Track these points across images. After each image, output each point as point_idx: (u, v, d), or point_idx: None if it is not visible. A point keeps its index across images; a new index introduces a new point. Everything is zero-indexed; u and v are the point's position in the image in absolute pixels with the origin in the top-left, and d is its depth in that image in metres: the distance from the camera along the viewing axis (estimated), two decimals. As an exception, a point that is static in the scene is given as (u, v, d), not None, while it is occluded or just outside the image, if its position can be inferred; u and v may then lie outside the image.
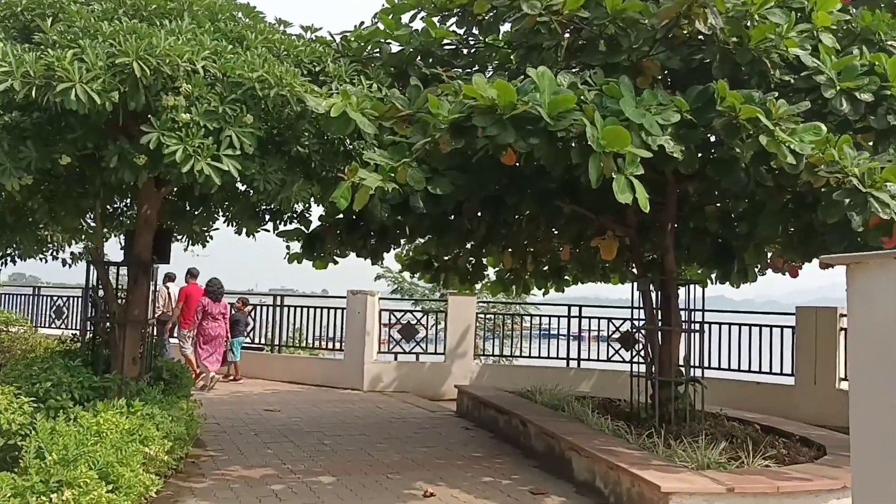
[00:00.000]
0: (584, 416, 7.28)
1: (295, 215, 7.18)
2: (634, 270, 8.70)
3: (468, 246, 9.33)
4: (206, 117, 4.71)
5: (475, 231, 8.29)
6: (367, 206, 5.55)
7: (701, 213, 7.76)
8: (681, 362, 7.42)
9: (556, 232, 9.31)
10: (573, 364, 12.11)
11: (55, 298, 15.29)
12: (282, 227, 7.56)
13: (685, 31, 5.73)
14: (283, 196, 5.25)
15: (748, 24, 5.68)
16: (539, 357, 12.21)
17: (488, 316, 12.87)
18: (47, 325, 14.70)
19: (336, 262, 8.77)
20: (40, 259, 8.49)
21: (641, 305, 7.47)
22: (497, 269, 10.31)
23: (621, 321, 11.89)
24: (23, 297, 15.88)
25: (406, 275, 21.57)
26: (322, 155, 5.48)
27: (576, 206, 7.52)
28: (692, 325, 7.25)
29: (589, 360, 12.07)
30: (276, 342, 12.99)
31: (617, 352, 11.86)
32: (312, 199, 5.99)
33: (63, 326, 14.26)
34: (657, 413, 6.89)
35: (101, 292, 6.83)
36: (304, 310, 12.94)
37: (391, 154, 4.64)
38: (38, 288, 16.50)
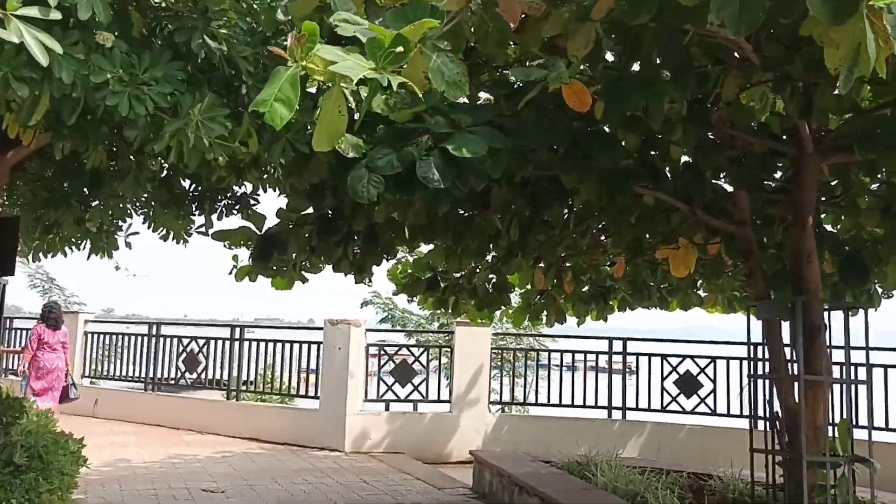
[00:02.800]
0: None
1: (235, 202, 4.88)
2: (732, 289, 6.42)
3: (489, 258, 7.03)
4: None
5: (503, 235, 5.97)
6: (342, 148, 3.39)
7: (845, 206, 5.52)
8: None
9: (603, 239, 7.08)
10: (617, 414, 9.75)
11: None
12: (218, 225, 5.26)
13: None
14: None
15: None
16: (572, 406, 9.83)
17: (504, 352, 10.52)
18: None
19: (305, 280, 6.45)
20: None
21: (764, 340, 5.16)
22: (524, 290, 8.01)
23: (679, 359, 9.57)
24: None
25: (399, 300, 19.24)
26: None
27: (661, 193, 5.27)
28: (848, 369, 4.95)
29: (637, 409, 9.70)
30: (234, 386, 10.54)
31: (674, 399, 9.51)
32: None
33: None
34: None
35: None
36: (271, 344, 10.54)
37: (393, 20, 2.33)
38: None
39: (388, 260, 6.47)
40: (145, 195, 5.09)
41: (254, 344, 10.69)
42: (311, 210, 5.82)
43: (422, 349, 10.18)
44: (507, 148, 3.96)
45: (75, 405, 11.72)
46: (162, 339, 11.39)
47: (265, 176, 4.51)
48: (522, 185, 5.37)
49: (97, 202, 5.01)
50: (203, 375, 10.90)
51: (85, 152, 3.55)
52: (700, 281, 7.30)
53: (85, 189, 4.76)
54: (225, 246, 5.84)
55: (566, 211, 6.24)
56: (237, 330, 10.72)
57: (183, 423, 10.62)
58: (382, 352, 9.84)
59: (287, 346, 10.41)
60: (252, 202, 5.10)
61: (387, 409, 9.69)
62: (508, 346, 11.46)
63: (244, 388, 10.62)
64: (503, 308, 7.93)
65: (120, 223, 5.86)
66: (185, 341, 11.18)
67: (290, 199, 5.35)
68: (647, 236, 6.47)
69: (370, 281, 6.63)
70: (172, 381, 11.42)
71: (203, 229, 6.36)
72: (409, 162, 3.74)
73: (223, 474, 7.48)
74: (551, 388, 10.01)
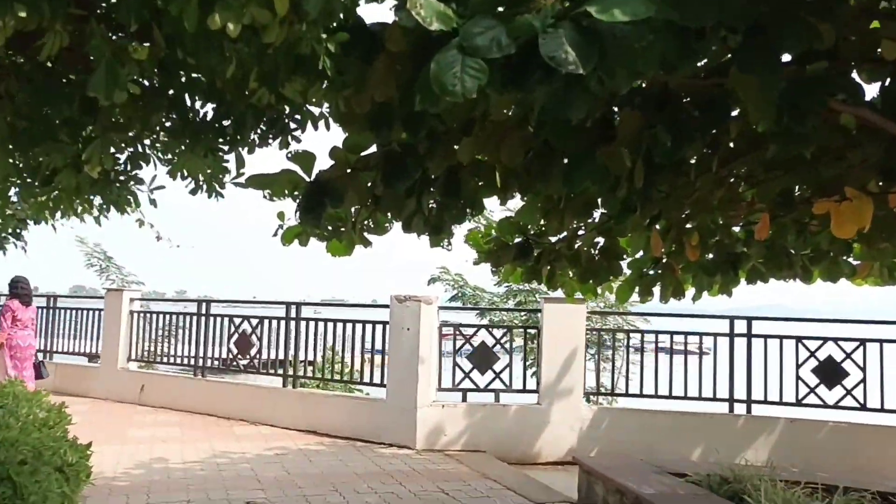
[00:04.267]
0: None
1: (271, 126, 3.66)
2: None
3: (596, 216, 5.66)
4: None
5: (622, 182, 4.58)
6: (421, 16, 2.21)
7: None
8: None
9: (742, 190, 5.62)
10: (740, 408, 8.26)
11: None
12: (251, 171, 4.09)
13: None
14: None
15: None
16: (685, 398, 8.38)
17: (602, 334, 9.12)
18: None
19: (367, 244, 5.23)
20: None
21: None
22: (632, 258, 6.62)
23: (819, 342, 8.01)
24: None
25: (470, 276, 17.97)
26: None
27: (866, 111, 3.81)
28: None
29: (766, 402, 8.19)
30: (290, 372, 9.47)
31: (813, 390, 7.97)
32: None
33: None
34: None
35: None
36: (331, 325, 9.42)
37: None
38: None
39: (472, 217, 5.15)
40: (157, 128, 3.94)
41: (312, 324, 9.59)
42: (374, 149, 4.57)
43: (504, 330, 8.86)
44: (671, 23, 2.61)
45: (121, 392, 10.95)
46: (212, 319, 10.43)
47: (312, 92, 3.26)
48: (658, 107, 3.99)
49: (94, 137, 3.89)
50: (257, 359, 9.89)
51: (41, 35, 2.40)
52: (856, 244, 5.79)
53: (74, 117, 3.62)
54: (265, 197, 4.63)
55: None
56: (293, 308, 9.63)
57: (234, 411, 9.66)
58: (458, 333, 8.57)
59: (349, 326, 9.27)
60: (294, 128, 3.85)
61: (464, 399, 8.46)
62: (606, 327, 10.04)
63: (301, 373, 9.56)
64: (612, 279, 6.55)
65: (136, 171, 4.76)
66: (237, 321, 10.19)
67: (346, 128, 4.09)
68: (801, 186, 5.04)
69: (450, 244, 5.37)
70: (223, 366, 10.48)
71: (240, 179, 5.21)
72: (524, 38, 2.43)
73: (274, 480, 6.39)
74: (658, 376, 8.55)
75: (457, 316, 11.73)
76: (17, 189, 4.98)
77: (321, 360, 9.56)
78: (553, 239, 6.09)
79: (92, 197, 5.20)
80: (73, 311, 12.26)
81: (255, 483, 6.20)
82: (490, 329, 9.07)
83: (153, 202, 5.56)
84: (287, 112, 3.75)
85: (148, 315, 11.29)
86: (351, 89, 3.56)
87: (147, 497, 5.65)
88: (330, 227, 5.05)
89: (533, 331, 8.93)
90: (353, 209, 4.82)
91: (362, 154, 4.67)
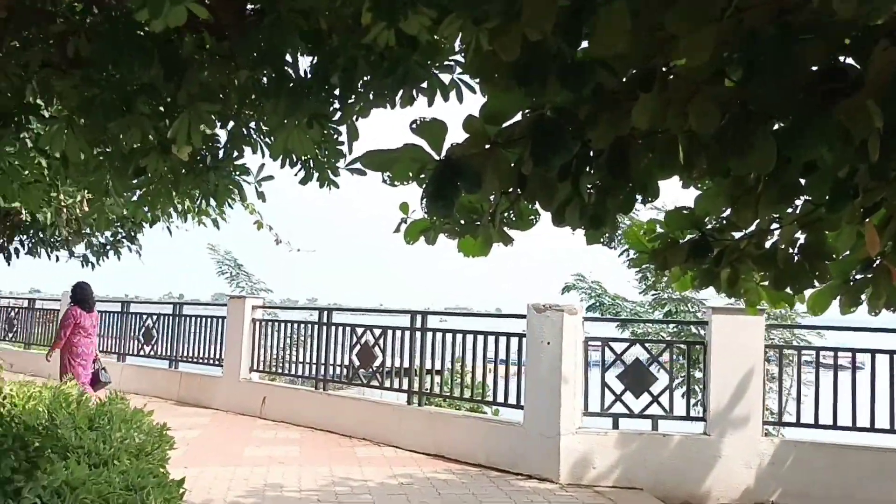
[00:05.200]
0: None
1: (389, 85, 2.81)
2: None
3: (798, 203, 4.45)
4: None
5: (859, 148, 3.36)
6: None
7: None
8: None
9: None
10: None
11: None
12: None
13: None
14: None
15: None
16: (892, 430, 6.86)
17: (784, 351, 7.72)
18: None
19: (508, 241, 4.27)
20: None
21: None
22: (839, 258, 5.30)
23: None
24: None
25: (609, 284, 16.67)
26: None
27: None
28: None
29: None
30: (415, 388, 8.70)
31: None
32: None
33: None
34: None
35: None
36: (460, 336, 8.54)
37: None
38: None
39: (646, 203, 4.08)
40: (252, 97, 3.20)
41: (439, 335, 8.78)
42: (519, 118, 3.63)
43: (663, 345, 7.66)
44: None
45: (243, 403, 10.60)
46: (333, 329, 9.85)
47: (443, 27, 2.38)
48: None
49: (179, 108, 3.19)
50: (381, 372, 9.19)
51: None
52: None
53: (153, 80, 2.91)
54: (385, 181, 3.78)
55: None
56: (419, 318, 8.86)
57: (356, 429, 9.01)
58: (608, 349, 7.46)
59: (480, 338, 8.37)
60: (421, 79, 2.96)
61: (615, 426, 7.33)
62: (787, 344, 8.60)
63: (428, 389, 8.76)
64: (815, 286, 5.27)
65: (237, 155, 4.08)
66: (360, 331, 9.55)
67: (486, 84, 3.17)
68: None
69: (612, 240, 4.44)
70: (345, 379, 9.88)
71: (357, 165, 4.43)
72: None
73: (398, 518, 5.58)
74: (855, 403, 7.06)
75: (599, 328, 10.57)
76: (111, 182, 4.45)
77: (448, 374, 8.73)
78: (737, 235, 4.93)
79: (195, 192, 4.57)
80: (198, 319, 12.12)
81: (376, 522, 5.41)
82: (644, 344, 7.87)
83: (261, 195, 4.90)
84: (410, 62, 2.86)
85: (270, 324, 10.91)
86: (497, 20, 2.64)
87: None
88: (462, 221, 4.16)
89: (695, 347, 7.67)
90: (491, 197, 3.90)
91: (504, 126, 3.72)
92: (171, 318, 12.32)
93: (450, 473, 7.28)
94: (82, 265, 9.38)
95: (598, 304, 15.22)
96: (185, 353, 12.12)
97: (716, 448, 6.99)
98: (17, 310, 15.94)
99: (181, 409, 10.85)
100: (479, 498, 6.33)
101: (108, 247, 8.47)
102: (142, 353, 12.76)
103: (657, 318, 12.75)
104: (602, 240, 4.36)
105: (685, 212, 4.94)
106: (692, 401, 7.59)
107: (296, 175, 4.45)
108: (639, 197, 4.08)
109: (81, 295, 8.87)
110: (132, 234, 7.92)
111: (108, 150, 4.07)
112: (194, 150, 4.00)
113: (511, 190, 3.91)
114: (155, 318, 12.65)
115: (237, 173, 4.52)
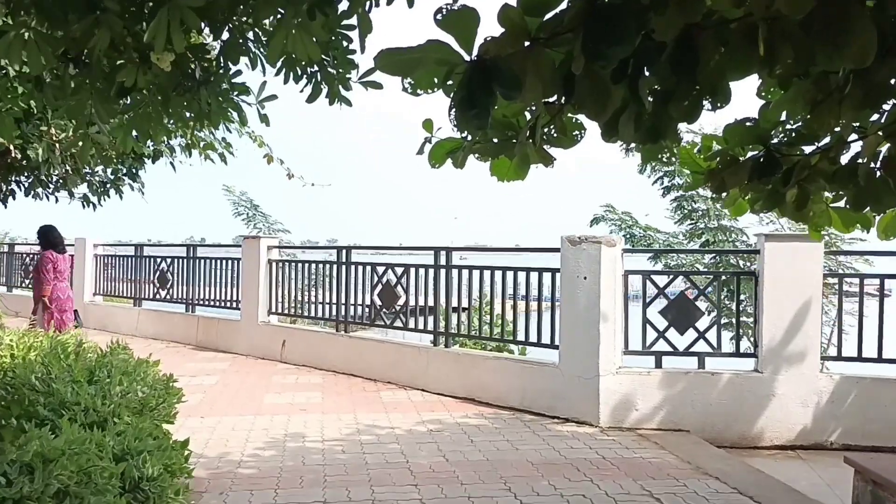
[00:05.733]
0: None
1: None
2: None
3: (888, 107, 3.80)
4: None
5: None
6: None
7: None
8: None
9: None
10: None
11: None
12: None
13: None
14: None
15: None
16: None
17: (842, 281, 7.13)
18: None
19: (549, 161, 3.69)
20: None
21: None
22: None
23: None
24: None
25: (641, 215, 16.03)
26: None
27: None
28: None
29: None
30: (441, 328, 8.26)
31: None
32: None
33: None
34: None
35: None
36: (488, 273, 8.02)
37: None
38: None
39: (715, 109, 3.46)
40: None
41: (465, 273, 8.28)
42: (565, 5, 3.01)
43: (711, 277, 7.10)
44: None
45: (263, 347, 10.28)
46: (353, 268, 9.40)
47: None
48: None
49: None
50: (404, 313, 8.75)
51: None
52: None
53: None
54: (406, 89, 3.19)
55: None
56: (443, 255, 8.35)
57: (381, 373, 8.64)
58: (649, 282, 6.92)
59: (509, 274, 7.87)
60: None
61: (658, 365, 6.85)
62: (848, 272, 8.01)
63: (455, 330, 8.32)
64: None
65: (231, 68, 3.53)
66: (380, 270, 9.09)
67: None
68: None
69: (671, 153, 3.77)
70: (368, 321, 9.47)
71: (370, 78, 3.88)
72: None
73: (429, 468, 5.18)
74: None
75: (633, 262, 10.01)
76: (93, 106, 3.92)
77: (475, 312, 8.27)
78: (807, 150, 4.31)
79: (186, 114, 4.02)
80: (213, 262, 11.73)
81: (406, 476, 5.01)
82: (690, 277, 7.31)
83: (264, 118, 4.35)
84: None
85: (287, 265, 10.48)
86: None
87: (275, 493, 4.58)
88: (495, 140, 3.59)
89: (744, 278, 7.11)
90: (530, 103, 3.32)
91: (548, 16, 3.09)
92: (185, 260, 11.95)
93: (481, 418, 6.88)
94: (83, 206, 8.96)
95: (628, 235, 14.64)
96: (202, 297, 11.79)
97: (769, 386, 6.51)
98: (32, 255, 15.67)
99: (200, 354, 10.56)
100: (515, 445, 5.93)
101: (108, 185, 8.02)
102: (157, 297, 12.46)
103: (701, 248, 12.12)
104: (661, 155, 3.82)
105: (748, 124, 4.27)
106: (741, 336, 7.07)
107: (301, 91, 3.89)
108: (706, 104, 3.44)
109: (52, 238, 8.53)
110: (133, 170, 7.44)
111: (86, 61, 3.53)
112: (181, 62, 3.44)
113: (554, 100, 3.29)
114: (169, 261, 12.29)
115: (235, 93, 3.97)
